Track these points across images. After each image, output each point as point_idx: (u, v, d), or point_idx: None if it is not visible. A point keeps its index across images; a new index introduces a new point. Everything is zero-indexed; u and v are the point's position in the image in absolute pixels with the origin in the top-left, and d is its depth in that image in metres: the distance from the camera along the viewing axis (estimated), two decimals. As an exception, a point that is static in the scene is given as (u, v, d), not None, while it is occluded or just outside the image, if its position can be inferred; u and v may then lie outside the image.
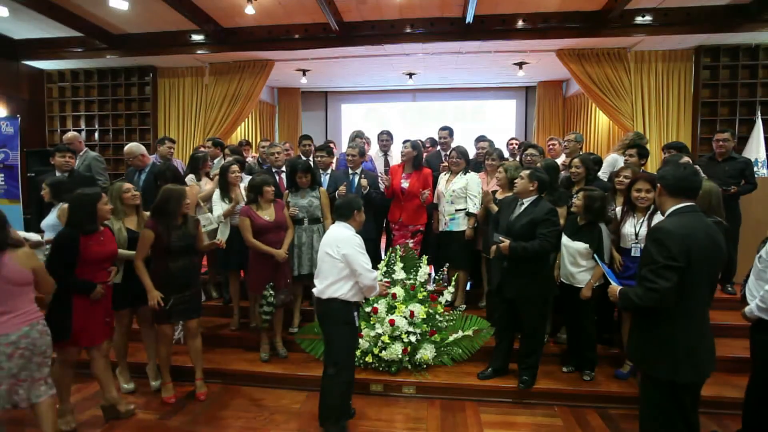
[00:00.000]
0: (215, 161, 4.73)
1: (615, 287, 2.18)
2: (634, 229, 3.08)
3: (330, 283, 2.60)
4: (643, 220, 3.03)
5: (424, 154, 5.07)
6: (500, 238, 3.09)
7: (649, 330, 2.04)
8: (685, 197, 2.02)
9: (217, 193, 3.83)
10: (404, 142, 4.28)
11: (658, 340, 2.00)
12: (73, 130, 6.80)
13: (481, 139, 4.95)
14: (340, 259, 2.56)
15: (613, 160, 4.38)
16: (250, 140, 7.14)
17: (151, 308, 2.96)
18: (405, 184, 4.13)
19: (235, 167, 3.81)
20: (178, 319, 3.12)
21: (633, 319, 2.24)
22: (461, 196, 3.97)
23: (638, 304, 2.00)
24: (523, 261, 3.03)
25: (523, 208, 3.11)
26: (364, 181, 4.03)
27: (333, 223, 2.78)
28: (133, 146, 4.35)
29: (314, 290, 2.68)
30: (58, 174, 4.07)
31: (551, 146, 4.93)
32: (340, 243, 2.57)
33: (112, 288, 2.89)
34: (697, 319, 1.99)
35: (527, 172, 3.10)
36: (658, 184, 2.09)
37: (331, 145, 4.94)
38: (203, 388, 3.30)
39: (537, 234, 2.97)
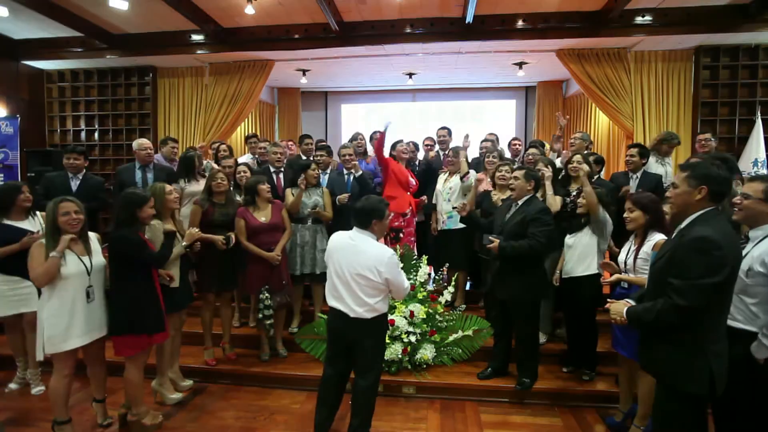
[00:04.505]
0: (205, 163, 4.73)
1: (620, 306, 1.95)
2: (624, 255, 2.72)
3: (375, 303, 2.46)
4: (632, 249, 2.68)
5: (428, 153, 5.11)
6: (490, 238, 3.09)
7: (674, 342, 1.82)
8: (719, 203, 1.83)
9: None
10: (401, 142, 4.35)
11: (688, 353, 1.79)
12: (73, 130, 6.86)
13: (486, 140, 4.91)
14: (381, 282, 2.43)
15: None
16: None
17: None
18: (411, 180, 4.25)
19: (242, 167, 3.85)
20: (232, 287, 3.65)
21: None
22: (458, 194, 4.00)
23: (652, 322, 1.81)
24: (514, 261, 3.02)
25: (517, 207, 3.11)
26: (342, 197, 3.94)
27: (353, 227, 2.55)
28: (144, 140, 4.47)
29: (347, 311, 2.47)
30: (70, 176, 4.06)
31: (573, 142, 4.52)
32: (380, 266, 2.40)
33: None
34: (724, 327, 1.84)
35: (522, 172, 3.10)
36: (703, 186, 1.80)
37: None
38: (232, 349, 3.74)
39: (528, 233, 2.96)
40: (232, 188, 3.90)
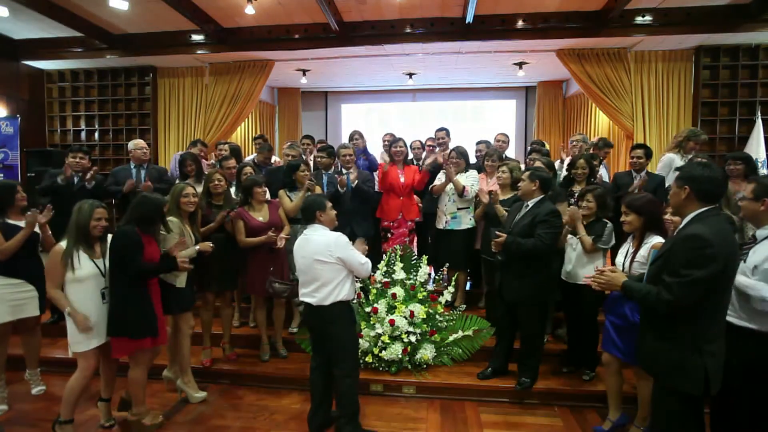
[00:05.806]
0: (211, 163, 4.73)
1: (619, 277, 2.01)
2: (622, 258, 2.70)
3: (332, 288, 2.59)
4: (629, 251, 2.65)
5: (426, 153, 5.10)
6: (497, 232, 3.10)
7: (670, 340, 1.84)
8: (712, 203, 1.85)
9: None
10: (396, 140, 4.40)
11: (684, 352, 1.80)
12: (73, 130, 6.86)
13: (480, 142, 4.98)
14: (336, 263, 2.57)
15: (669, 160, 4.20)
16: (248, 141, 7.12)
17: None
18: (402, 179, 4.25)
19: (248, 169, 3.86)
20: (230, 287, 3.69)
21: (645, 321, 2.01)
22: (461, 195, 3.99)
23: (642, 303, 1.91)
24: (518, 259, 3.02)
25: (527, 209, 3.11)
26: (342, 179, 4.00)
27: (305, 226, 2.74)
28: (139, 141, 4.48)
29: (311, 300, 2.63)
30: (73, 174, 4.06)
31: (573, 144, 4.57)
32: (331, 248, 2.57)
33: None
34: (721, 326, 1.85)
35: (527, 173, 3.11)
36: (686, 186, 1.85)
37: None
38: (232, 349, 3.72)
39: (534, 233, 2.97)
40: (233, 188, 3.91)
